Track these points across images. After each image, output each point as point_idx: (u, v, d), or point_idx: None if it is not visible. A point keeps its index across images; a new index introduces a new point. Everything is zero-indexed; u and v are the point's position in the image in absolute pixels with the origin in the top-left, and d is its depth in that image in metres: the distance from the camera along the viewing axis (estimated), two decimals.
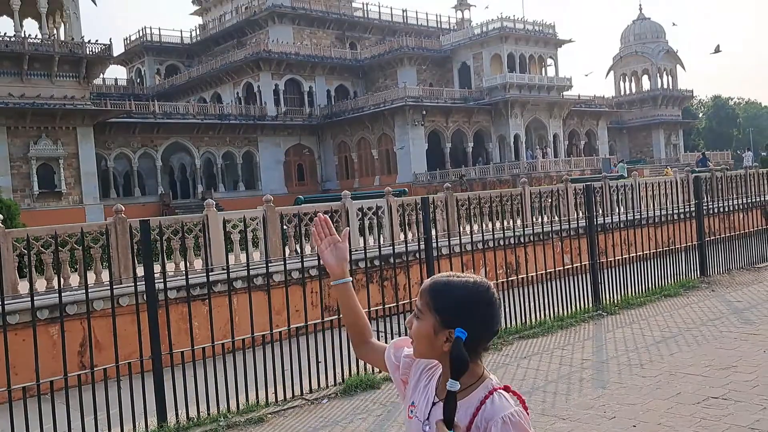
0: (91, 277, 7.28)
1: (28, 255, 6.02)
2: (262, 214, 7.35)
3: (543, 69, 47.09)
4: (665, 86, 59.49)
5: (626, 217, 11.67)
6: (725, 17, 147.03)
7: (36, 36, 33.35)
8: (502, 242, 9.77)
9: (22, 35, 32.57)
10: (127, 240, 6.73)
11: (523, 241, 9.63)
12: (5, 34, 32.19)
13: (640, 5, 61.68)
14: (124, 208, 7.01)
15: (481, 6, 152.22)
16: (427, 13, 55.59)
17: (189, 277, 6.23)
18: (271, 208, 7.79)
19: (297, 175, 45.50)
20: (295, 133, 44.96)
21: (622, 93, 61.18)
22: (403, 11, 54.12)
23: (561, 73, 47.73)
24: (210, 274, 6.50)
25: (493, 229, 9.29)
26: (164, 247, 6.23)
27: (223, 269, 7.03)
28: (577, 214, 10.95)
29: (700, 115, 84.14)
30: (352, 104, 44.55)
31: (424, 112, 40.80)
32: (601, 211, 10.52)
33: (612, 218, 11.04)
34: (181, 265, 7.50)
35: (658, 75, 58.69)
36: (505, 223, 10.02)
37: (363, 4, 54.09)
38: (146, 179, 41.45)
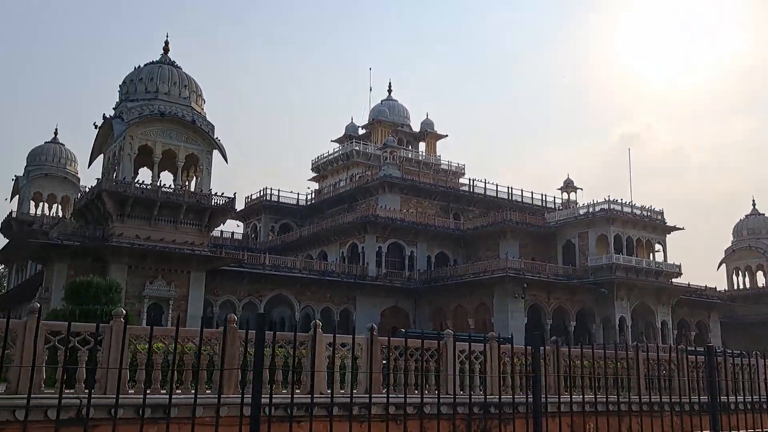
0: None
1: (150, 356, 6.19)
2: (366, 341, 7.31)
3: (651, 254, 46.04)
4: None
5: (752, 398, 10.59)
6: None
7: (169, 186, 36.65)
8: (615, 407, 9.10)
9: (158, 185, 35.88)
10: (235, 350, 6.83)
11: (638, 409, 8.95)
12: (143, 182, 35.65)
13: (753, 200, 61.36)
14: (236, 318, 7.19)
15: (588, 190, 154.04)
16: (532, 192, 56.64)
17: (294, 396, 6.16)
18: (374, 337, 7.72)
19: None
20: (392, 296, 45.33)
21: (735, 287, 58.72)
22: (509, 188, 55.57)
23: (670, 259, 46.39)
24: (314, 397, 6.38)
25: (606, 392, 8.72)
26: (273, 362, 6.23)
27: (321, 393, 6.89)
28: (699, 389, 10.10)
29: None
30: (451, 271, 44.84)
31: (525, 285, 40.27)
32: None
33: (737, 398, 10.09)
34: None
35: None
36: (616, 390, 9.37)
37: (469, 179, 56.20)
38: None
